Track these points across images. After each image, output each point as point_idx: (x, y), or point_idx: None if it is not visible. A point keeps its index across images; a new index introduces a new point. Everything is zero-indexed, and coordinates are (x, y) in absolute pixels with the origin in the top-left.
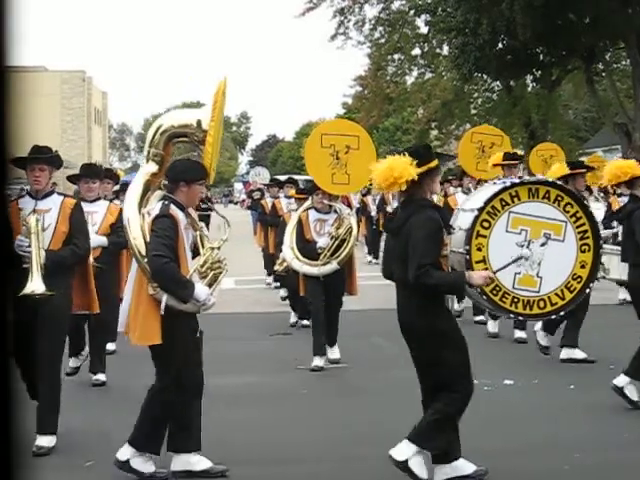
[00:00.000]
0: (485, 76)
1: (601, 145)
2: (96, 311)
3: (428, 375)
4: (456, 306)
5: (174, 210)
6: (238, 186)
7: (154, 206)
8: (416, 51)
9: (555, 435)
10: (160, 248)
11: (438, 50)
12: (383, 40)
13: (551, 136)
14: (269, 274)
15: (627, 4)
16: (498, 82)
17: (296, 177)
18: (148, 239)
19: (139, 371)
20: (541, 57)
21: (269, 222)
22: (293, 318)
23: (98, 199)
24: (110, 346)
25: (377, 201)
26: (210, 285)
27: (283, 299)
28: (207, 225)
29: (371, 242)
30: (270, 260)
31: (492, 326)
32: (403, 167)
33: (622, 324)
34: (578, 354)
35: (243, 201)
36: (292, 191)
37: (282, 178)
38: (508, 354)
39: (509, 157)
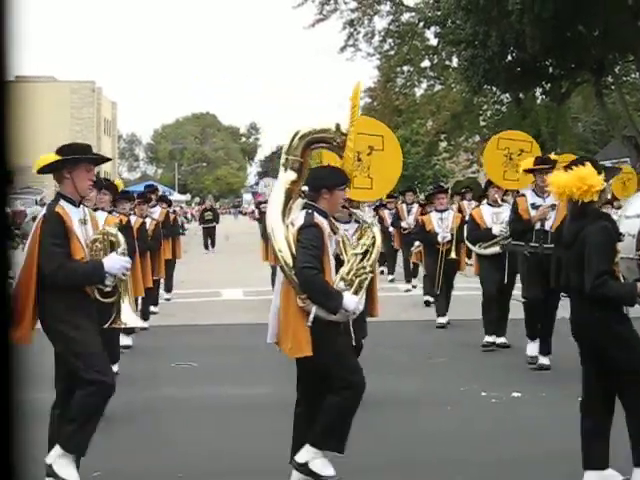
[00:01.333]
0: (494, 88)
1: (610, 158)
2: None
3: (602, 382)
4: (441, 320)
5: (318, 218)
6: (247, 197)
7: (297, 215)
8: (425, 63)
9: (564, 447)
10: (308, 259)
11: (447, 62)
12: (392, 52)
13: (560, 149)
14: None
15: (637, 17)
16: (507, 94)
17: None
18: (294, 250)
19: (142, 383)
20: (550, 70)
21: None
22: None
23: (96, 209)
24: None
25: (392, 216)
26: (356, 292)
27: None
28: (213, 236)
29: (387, 257)
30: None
31: (531, 350)
32: (594, 176)
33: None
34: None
35: (252, 212)
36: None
37: None
38: (515, 367)
39: (541, 161)
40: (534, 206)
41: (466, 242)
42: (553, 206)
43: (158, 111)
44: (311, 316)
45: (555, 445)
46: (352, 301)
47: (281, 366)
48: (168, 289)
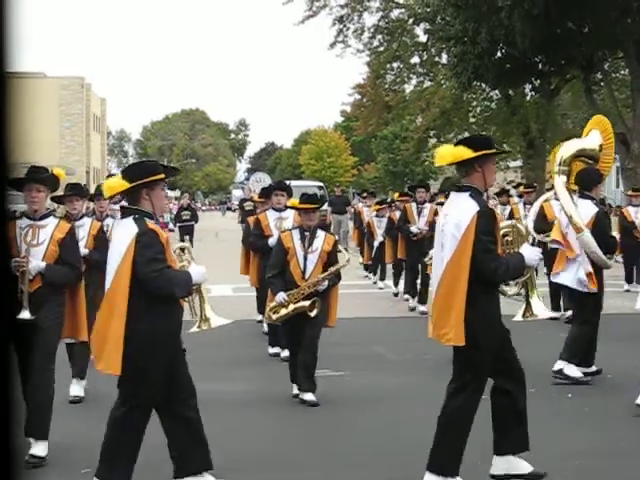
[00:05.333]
0: (484, 85)
1: None
2: (84, 339)
3: None
4: (411, 302)
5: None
6: (236, 193)
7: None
8: (415, 59)
9: (553, 443)
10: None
11: (437, 58)
12: (382, 48)
13: (549, 145)
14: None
15: (626, 14)
16: (497, 91)
17: (294, 182)
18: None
19: None
20: (540, 66)
21: (251, 245)
22: None
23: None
24: None
25: (382, 222)
26: None
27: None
28: (191, 234)
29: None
30: (262, 299)
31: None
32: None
33: (618, 334)
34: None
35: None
36: (293, 200)
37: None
38: None
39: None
40: None
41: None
42: None
43: (147, 107)
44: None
45: (545, 441)
46: None
47: (267, 363)
48: None
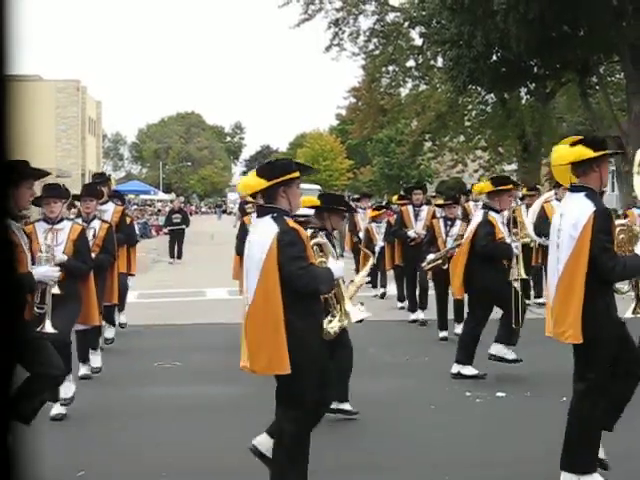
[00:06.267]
0: (479, 88)
1: None
2: (96, 324)
3: None
4: (421, 315)
5: None
6: (232, 196)
7: None
8: (410, 63)
9: (548, 446)
10: None
11: (432, 62)
12: (377, 52)
13: (545, 149)
14: None
15: (621, 18)
16: (492, 94)
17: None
18: None
19: (126, 383)
20: (535, 70)
21: (236, 249)
22: None
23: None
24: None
25: (381, 228)
26: None
27: None
28: (180, 243)
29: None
30: None
31: None
32: None
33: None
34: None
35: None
36: (311, 198)
37: None
38: (500, 367)
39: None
40: None
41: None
42: None
43: (143, 110)
44: None
45: (540, 445)
46: None
47: None
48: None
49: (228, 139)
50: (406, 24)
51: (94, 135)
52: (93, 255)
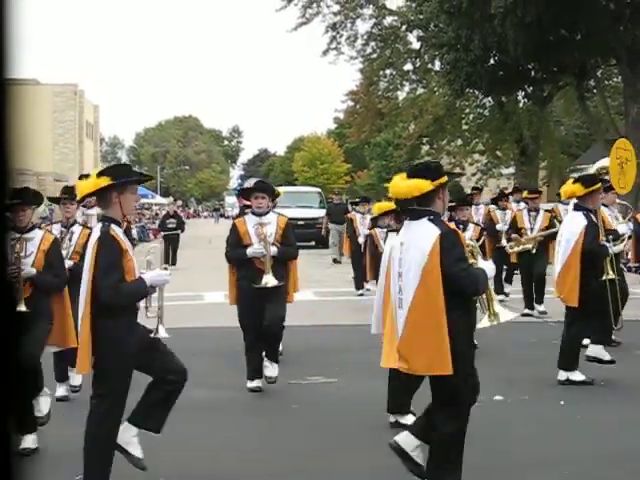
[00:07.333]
0: (477, 92)
1: (592, 161)
2: (72, 345)
3: None
4: None
5: None
6: (229, 200)
7: None
8: (408, 66)
9: (546, 450)
10: None
11: (430, 65)
12: (375, 55)
13: (542, 152)
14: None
15: (619, 21)
16: (490, 98)
17: (292, 188)
18: None
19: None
20: (533, 73)
21: (225, 256)
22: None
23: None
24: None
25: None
26: None
27: None
28: (175, 248)
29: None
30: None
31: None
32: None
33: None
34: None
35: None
36: (385, 204)
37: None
38: (498, 370)
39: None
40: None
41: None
42: None
43: (140, 114)
44: None
45: (538, 448)
46: None
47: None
48: None
49: (226, 143)
50: (404, 28)
51: (92, 139)
52: (72, 263)
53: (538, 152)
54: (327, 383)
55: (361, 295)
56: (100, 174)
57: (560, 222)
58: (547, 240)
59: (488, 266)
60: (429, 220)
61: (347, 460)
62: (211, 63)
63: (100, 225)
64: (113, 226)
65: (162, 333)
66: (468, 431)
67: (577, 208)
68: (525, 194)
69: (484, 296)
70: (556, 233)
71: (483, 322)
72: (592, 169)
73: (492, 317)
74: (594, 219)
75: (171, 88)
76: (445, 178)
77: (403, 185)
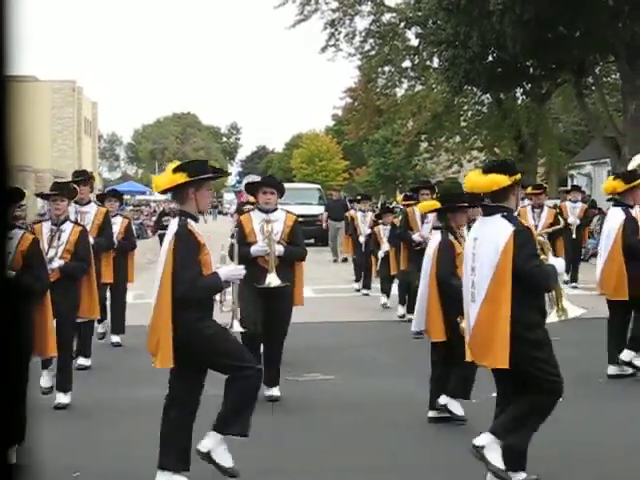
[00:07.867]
0: (475, 89)
1: (590, 159)
2: (52, 355)
3: None
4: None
5: None
6: (228, 196)
7: None
8: (406, 63)
9: (543, 447)
10: None
11: (428, 62)
12: (373, 52)
13: (541, 149)
14: None
15: (617, 18)
16: (488, 95)
17: (292, 185)
18: None
19: (122, 383)
20: (531, 70)
21: (230, 253)
22: None
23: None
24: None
25: (387, 231)
26: None
27: None
28: None
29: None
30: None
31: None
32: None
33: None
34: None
35: (233, 214)
36: (430, 203)
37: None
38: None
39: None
40: None
41: None
42: None
43: (139, 111)
44: None
45: (534, 445)
46: None
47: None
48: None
49: (224, 139)
50: (402, 24)
51: (90, 136)
52: (62, 262)
53: (536, 149)
54: (324, 380)
55: (367, 295)
56: (176, 170)
57: (565, 220)
58: (555, 237)
59: (558, 262)
60: (502, 216)
61: (343, 458)
62: (209, 60)
63: (177, 220)
64: (190, 221)
65: (237, 327)
66: (467, 428)
67: (617, 204)
68: (529, 190)
69: (553, 292)
70: (561, 230)
71: (552, 317)
72: (631, 165)
73: (560, 312)
74: (633, 214)
75: (169, 85)
76: (519, 175)
77: (482, 180)
